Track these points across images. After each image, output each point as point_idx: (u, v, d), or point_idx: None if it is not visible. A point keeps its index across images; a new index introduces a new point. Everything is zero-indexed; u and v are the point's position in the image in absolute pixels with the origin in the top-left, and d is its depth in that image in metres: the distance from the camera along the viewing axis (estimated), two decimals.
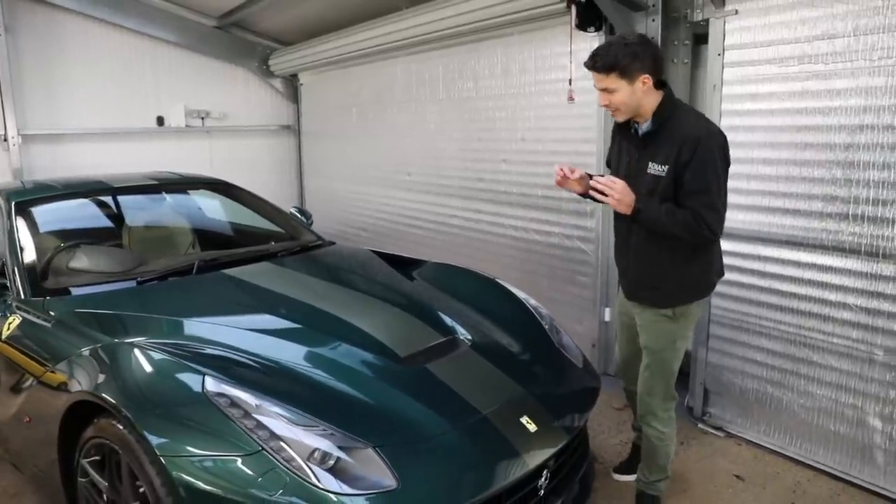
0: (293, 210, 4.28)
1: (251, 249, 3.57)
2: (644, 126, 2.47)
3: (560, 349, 2.91)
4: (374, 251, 3.79)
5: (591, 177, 2.67)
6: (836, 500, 2.95)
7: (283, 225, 4.03)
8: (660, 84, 2.45)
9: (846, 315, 3.03)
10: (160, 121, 7.45)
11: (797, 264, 3.18)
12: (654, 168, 2.43)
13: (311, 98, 7.67)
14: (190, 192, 4.20)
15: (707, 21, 3.46)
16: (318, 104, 7.55)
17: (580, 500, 2.65)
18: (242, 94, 7.88)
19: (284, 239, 3.88)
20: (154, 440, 2.00)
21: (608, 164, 2.93)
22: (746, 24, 3.27)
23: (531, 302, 3.18)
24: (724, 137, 2.46)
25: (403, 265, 3.52)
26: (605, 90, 2.41)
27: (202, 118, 7.65)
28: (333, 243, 3.88)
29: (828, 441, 3.16)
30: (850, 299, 3.01)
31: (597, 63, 2.40)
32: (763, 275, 3.32)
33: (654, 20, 3.71)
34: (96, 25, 6.96)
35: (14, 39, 6.54)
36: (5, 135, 6.58)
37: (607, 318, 4.25)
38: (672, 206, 2.40)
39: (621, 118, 2.48)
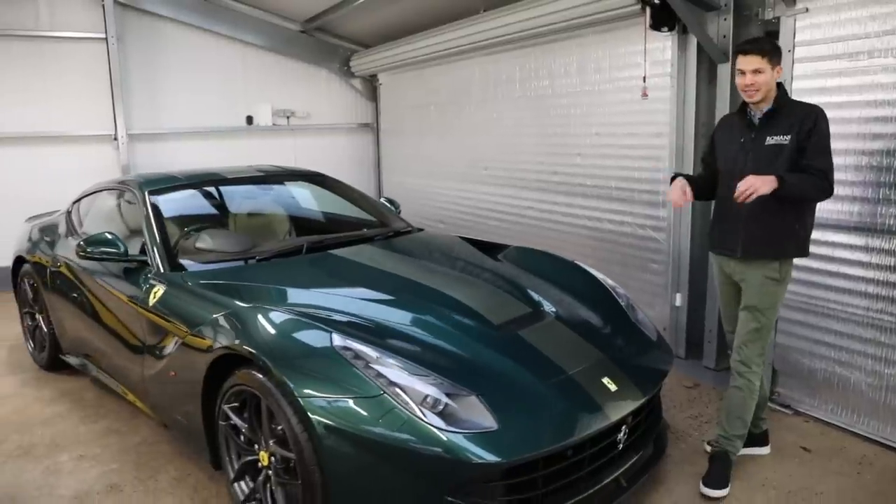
0: (383, 199, 4.67)
1: (353, 233, 3.96)
2: (764, 108, 2.90)
3: (636, 324, 3.18)
4: (460, 237, 4.14)
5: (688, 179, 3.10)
6: None
7: (375, 213, 4.41)
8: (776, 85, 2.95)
9: None
10: (249, 120, 8.00)
11: (865, 249, 3.34)
12: (775, 139, 2.85)
13: (390, 97, 8.08)
14: (294, 182, 4.64)
15: (778, 19, 3.64)
16: (396, 103, 7.95)
17: (654, 459, 2.92)
18: (325, 94, 8.37)
19: (377, 226, 4.26)
20: (293, 385, 2.36)
21: (703, 160, 3.26)
22: (816, 21, 3.44)
23: (609, 282, 3.46)
24: None
25: (488, 248, 3.86)
26: (755, 71, 2.83)
27: (287, 117, 8.18)
28: (422, 230, 4.25)
29: (895, 418, 3.31)
30: None
31: (753, 47, 2.87)
32: (832, 259, 3.49)
33: (725, 19, 3.91)
34: (193, 32, 7.57)
35: (123, 47, 7.18)
36: (115, 134, 7.24)
37: (678, 303, 4.46)
38: (799, 174, 2.79)
39: (758, 97, 2.87)
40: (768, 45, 2.86)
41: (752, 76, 2.83)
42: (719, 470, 2.99)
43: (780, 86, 2.92)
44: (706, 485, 2.95)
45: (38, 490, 3.12)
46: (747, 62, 2.84)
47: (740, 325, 3.01)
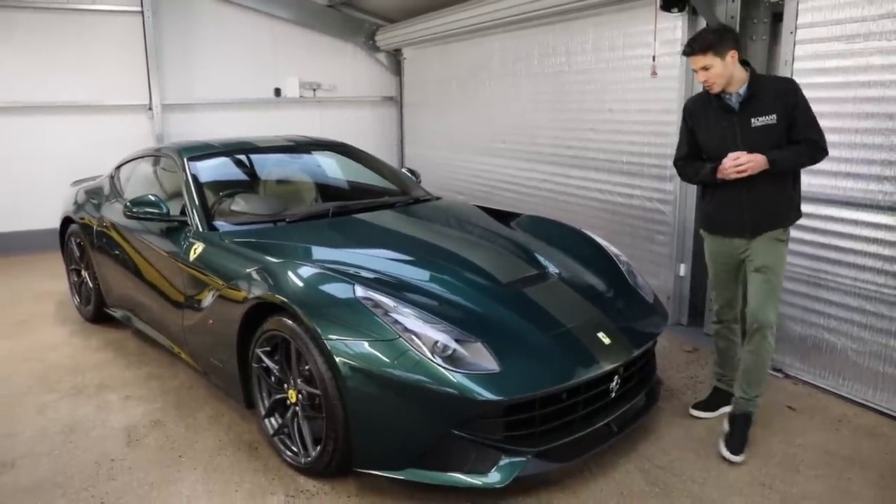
0: (405, 170, 4.95)
1: (375, 200, 4.26)
2: (739, 91, 2.96)
3: (635, 287, 3.44)
4: (476, 205, 4.41)
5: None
6: (877, 430, 3.34)
7: (396, 182, 4.70)
8: (743, 63, 2.98)
9: None
10: (277, 92, 8.29)
11: (855, 223, 3.55)
12: (761, 120, 2.93)
13: (413, 71, 8.30)
14: (320, 152, 4.93)
15: (783, 1, 3.81)
16: (419, 77, 8.18)
17: (645, 409, 3.20)
18: (350, 68, 8.62)
19: (398, 193, 4.54)
20: (320, 330, 2.67)
21: (687, 158, 3.20)
22: (818, 4, 3.61)
23: (612, 249, 3.72)
24: None
25: (502, 216, 4.14)
26: (703, 68, 2.92)
27: (314, 90, 8.45)
28: (440, 198, 4.52)
29: (875, 381, 3.54)
30: None
31: (694, 48, 2.93)
32: (824, 232, 3.70)
33: (733, 1, 4.09)
34: (225, 6, 7.85)
35: (158, 20, 7.47)
36: (150, 104, 7.57)
37: (682, 272, 4.69)
38: (788, 146, 2.92)
39: (717, 89, 2.96)
40: (708, 39, 2.89)
41: (703, 73, 2.92)
42: (743, 434, 3.10)
43: (747, 64, 2.98)
44: (731, 451, 3.03)
45: (92, 423, 3.48)
46: (692, 62, 2.94)
47: (755, 289, 3.06)
